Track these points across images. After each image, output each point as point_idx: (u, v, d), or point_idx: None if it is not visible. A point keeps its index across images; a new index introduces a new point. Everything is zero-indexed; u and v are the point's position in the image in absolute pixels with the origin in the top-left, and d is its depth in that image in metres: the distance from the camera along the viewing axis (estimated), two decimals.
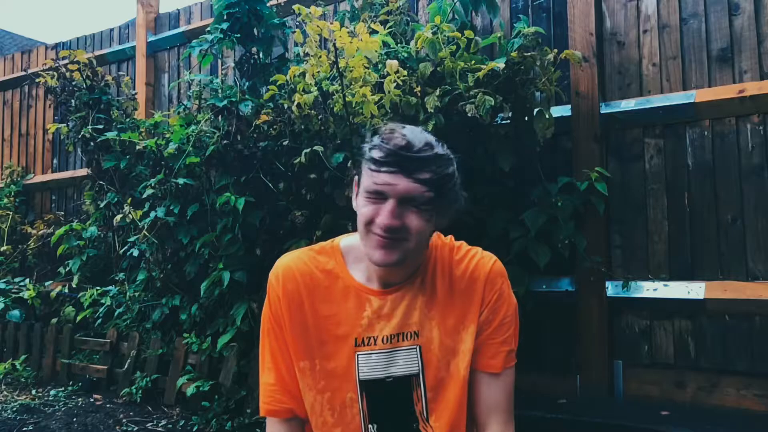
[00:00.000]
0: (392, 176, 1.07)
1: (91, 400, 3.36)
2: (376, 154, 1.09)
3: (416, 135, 1.11)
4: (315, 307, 1.20)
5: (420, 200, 1.08)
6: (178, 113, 3.22)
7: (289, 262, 1.24)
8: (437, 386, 1.18)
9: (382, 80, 2.37)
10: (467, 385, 1.19)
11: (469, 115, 2.29)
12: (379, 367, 1.17)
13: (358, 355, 1.17)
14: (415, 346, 1.18)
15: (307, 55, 2.54)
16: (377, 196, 1.09)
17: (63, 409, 3.23)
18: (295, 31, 2.61)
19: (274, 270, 1.25)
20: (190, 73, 3.89)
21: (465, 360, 1.18)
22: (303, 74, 2.53)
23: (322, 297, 1.20)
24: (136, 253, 3.37)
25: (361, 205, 1.12)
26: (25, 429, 2.94)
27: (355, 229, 1.20)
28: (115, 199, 3.68)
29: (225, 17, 2.95)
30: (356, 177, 1.19)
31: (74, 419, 3.04)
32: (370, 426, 1.18)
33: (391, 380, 1.18)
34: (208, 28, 3.05)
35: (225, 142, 2.85)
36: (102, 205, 3.82)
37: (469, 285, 1.21)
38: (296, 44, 3.24)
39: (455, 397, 1.17)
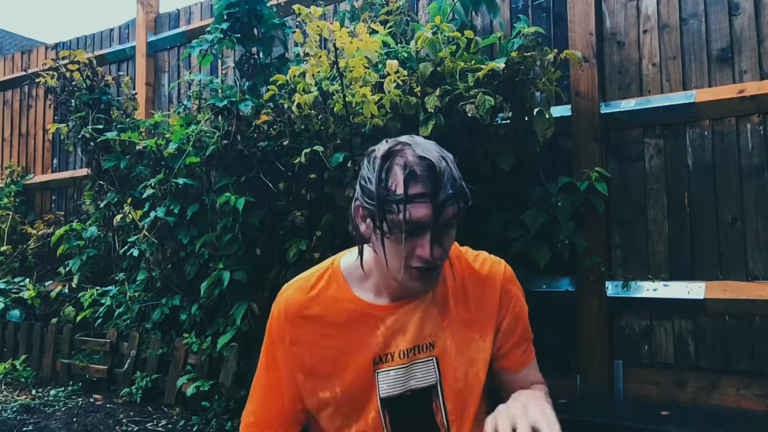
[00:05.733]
0: (427, 205, 0.98)
1: (91, 400, 3.36)
2: (401, 185, 0.98)
3: (428, 149, 1.02)
4: (326, 337, 1.16)
5: (454, 219, 1.03)
6: (178, 113, 3.22)
7: (291, 297, 1.19)
8: (456, 396, 1.17)
9: (382, 80, 2.37)
10: (485, 392, 1.18)
11: (469, 115, 2.29)
12: (398, 383, 1.15)
13: (377, 373, 1.15)
14: (431, 358, 1.16)
15: (307, 55, 2.54)
16: (413, 233, 1.01)
17: (63, 409, 3.23)
18: (295, 31, 2.61)
19: (277, 307, 1.20)
20: (190, 73, 3.89)
21: (483, 368, 1.17)
22: (303, 74, 2.53)
23: (332, 325, 1.16)
24: (136, 253, 3.37)
25: (392, 244, 1.03)
26: (25, 429, 2.94)
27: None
28: (115, 199, 3.69)
29: (225, 17, 2.95)
30: (361, 209, 1.08)
31: (74, 419, 3.04)
32: None
33: (410, 394, 1.16)
34: (208, 28, 3.05)
35: (225, 142, 2.85)
36: (102, 205, 3.82)
37: (483, 293, 1.19)
38: (296, 44, 3.24)
39: (474, 406, 1.17)
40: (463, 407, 1.17)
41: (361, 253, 1.15)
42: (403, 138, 1.06)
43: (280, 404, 1.20)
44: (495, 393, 1.24)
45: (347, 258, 1.22)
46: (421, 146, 1.03)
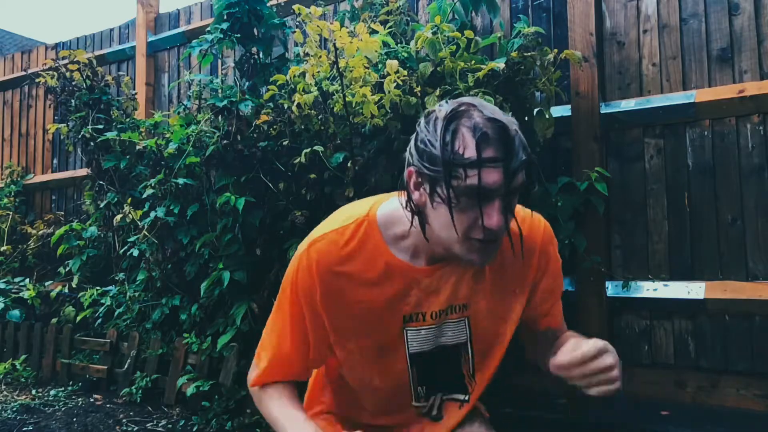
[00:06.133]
0: (500, 171, 0.91)
1: (91, 400, 3.36)
2: (472, 148, 0.91)
3: (496, 111, 0.94)
4: (357, 294, 1.11)
5: (521, 186, 0.96)
6: (178, 113, 3.22)
7: (323, 250, 1.10)
8: (485, 350, 1.21)
9: (382, 80, 2.37)
10: (508, 344, 1.23)
11: None
12: (429, 340, 1.17)
13: (407, 330, 1.15)
14: (463, 318, 1.17)
15: (307, 55, 2.54)
16: (481, 199, 0.93)
17: (63, 409, 3.23)
18: (295, 31, 2.61)
19: (307, 259, 1.11)
20: (190, 73, 3.89)
21: (512, 325, 1.20)
22: (303, 74, 2.53)
23: (364, 282, 1.11)
24: (136, 253, 3.36)
25: (459, 212, 0.95)
26: (25, 429, 2.94)
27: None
28: (115, 199, 3.69)
29: (225, 17, 2.95)
30: (416, 175, 0.99)
31: (74, 419, 3.04)
32: (419, 388, 1.21)
33: (440, 350, 1.19)
34: (208, 28, 3.05)
35: (225, 142, 2.85)
36: (102, 205, 3.82)
37: (522, 254, 1.14)
38: (296, 44, 3.24)
39: (498, 357, 1.22)
40: (489, 359, 1.21)
41: (423, 227, 1.03)
42: (466, 99, 0.99)
43: (296, 353, 1.18)
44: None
45: (384, 208, 1.14)
46: (488, 108, 0.96)
